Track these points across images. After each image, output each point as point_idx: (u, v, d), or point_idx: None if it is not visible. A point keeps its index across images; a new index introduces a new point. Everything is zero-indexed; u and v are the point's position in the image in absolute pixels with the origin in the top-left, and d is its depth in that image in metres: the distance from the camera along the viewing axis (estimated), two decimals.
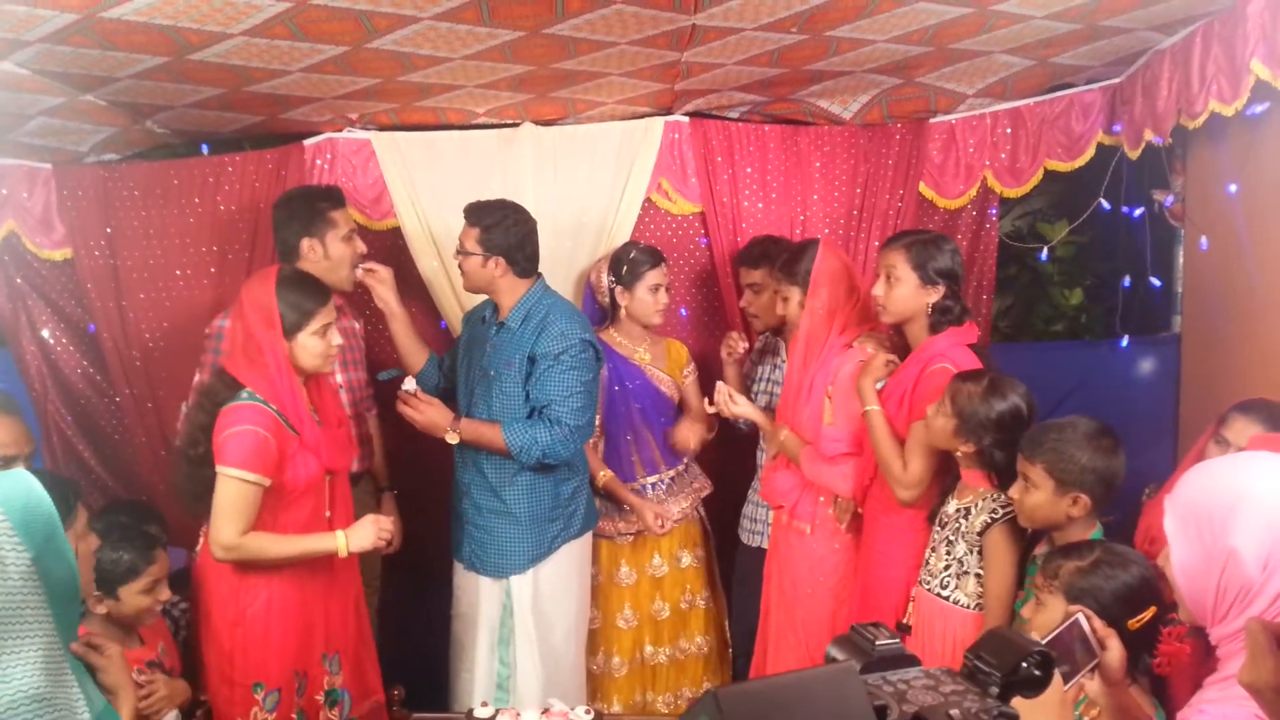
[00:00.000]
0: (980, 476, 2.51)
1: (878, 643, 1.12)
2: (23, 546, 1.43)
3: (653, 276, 3.32)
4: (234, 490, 2.43)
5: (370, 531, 2.60)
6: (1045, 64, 3.19)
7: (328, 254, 3.03)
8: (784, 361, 3.33)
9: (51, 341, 3.63)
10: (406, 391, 2.94)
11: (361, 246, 3.13)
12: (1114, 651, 1.69)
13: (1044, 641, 1.62)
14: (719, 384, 3.20)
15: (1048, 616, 1.98)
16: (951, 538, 2.53)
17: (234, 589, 2.52)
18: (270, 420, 2.46)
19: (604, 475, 3.33)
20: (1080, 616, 1.69)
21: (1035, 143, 3.51)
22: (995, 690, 1.10)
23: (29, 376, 3.58)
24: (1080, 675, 1.67)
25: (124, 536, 2.43)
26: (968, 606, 2.48)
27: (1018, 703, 1.61)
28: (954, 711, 1.03)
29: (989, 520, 2.45)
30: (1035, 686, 1.13)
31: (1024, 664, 1.12)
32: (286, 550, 2.53)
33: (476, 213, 3.01)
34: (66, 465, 3.61)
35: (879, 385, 2.80)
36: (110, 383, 3.62)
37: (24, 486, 1.50)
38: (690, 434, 3.39)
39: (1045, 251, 3.77)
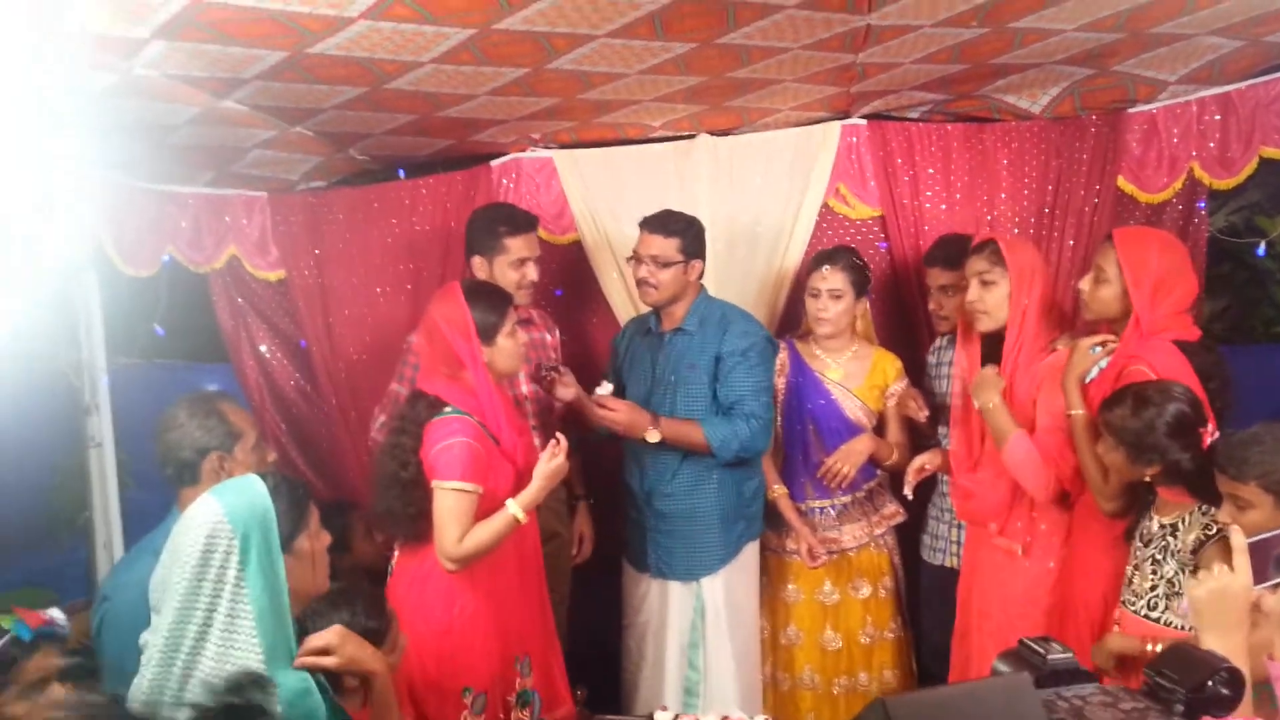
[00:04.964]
0: (1179, 492, 2.36)
1: (1050, 657, 1.06)
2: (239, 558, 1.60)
3: (813, 279, 3.23)
4: (452, 501, 2.51)
5: (537, 484, 2.59)
6: (1257, 43, 2.94)
7: (492, 275, 3.14)
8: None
9: (268, 356, 3.93)
10: (601, 394, 3.02)
11: (533, 274, 3.18)
12: None
13: (1249, 541, 1.60)
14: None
15: (1257, 517, 2.03)
16: (1159, 556, 2.38)
17: (443, 596, 2.58)
18: (475, 430, 2.57)
19: (778, 489, 3.25)
20: None
21: (1249, 129, 3.22)
22: (1180, 709, 1.02)
23: (249, 389, 3.89)
24: (1264, 586, 1.60)
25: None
26: (1180, 628, 2.31)
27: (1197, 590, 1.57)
28: None
29: (1204, 537, 2.28)
30: (1223, 706, 1.05)
31: (1210, 682, 1.04)
32: (484, 540, 2.54)
33: (666, 223, 3.07)
34: (282, 470, 3.88)
35: (1089, 377, 2.64)
36: (319, 394, 3.88)
37: (249, 498, 1.66)
38: (846, 459, 3.13)
39: (1264, 247, 3.47)
